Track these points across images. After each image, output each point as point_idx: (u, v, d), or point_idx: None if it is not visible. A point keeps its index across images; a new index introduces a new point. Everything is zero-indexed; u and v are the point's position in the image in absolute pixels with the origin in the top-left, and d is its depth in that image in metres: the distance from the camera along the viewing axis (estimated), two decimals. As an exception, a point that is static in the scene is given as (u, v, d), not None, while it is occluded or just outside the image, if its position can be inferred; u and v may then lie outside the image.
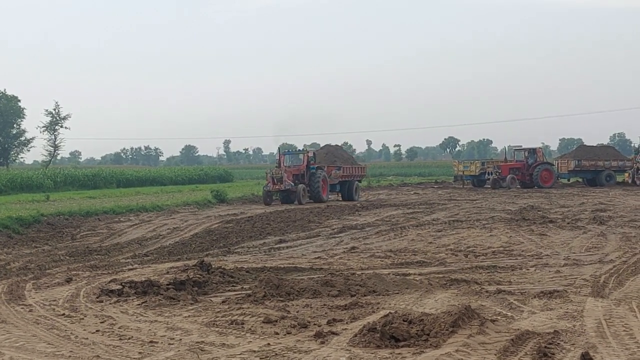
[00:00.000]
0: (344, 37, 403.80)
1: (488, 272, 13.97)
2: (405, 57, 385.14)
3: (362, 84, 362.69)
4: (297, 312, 10.22)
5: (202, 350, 8.34)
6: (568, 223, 23.00)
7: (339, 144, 48.67)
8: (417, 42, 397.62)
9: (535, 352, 7.77)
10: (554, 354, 7.76)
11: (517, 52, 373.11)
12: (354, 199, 39.97)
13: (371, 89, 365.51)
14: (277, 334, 9.02)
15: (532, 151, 51.89)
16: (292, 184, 36.45)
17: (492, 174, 50.50)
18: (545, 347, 7.96)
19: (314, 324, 9.39)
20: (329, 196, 39.75)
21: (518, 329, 8.75)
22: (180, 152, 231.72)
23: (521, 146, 54.26)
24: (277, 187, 36.60)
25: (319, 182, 37.63)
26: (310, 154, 39.13)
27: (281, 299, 11.02)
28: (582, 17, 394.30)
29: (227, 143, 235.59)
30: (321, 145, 48.49)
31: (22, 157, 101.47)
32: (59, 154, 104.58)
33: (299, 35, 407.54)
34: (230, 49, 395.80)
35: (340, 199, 40.68)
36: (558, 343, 8.23)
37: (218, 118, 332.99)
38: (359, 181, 43.03)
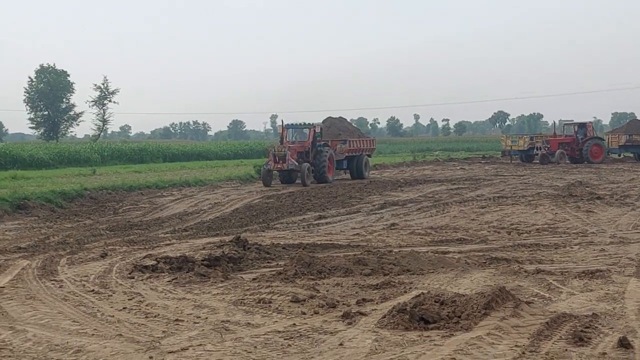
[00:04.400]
0: (389, 15, 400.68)
1: (530, 251, 13.56)
2: (454, 33, 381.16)
3: (410, 60, 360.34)
4: (327, 291, 9.97)
5: (226, 330, 8.13)
6: (616, 199, 22.38)
7: (347, 118, 44.48)
8: (470, 18, 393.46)
9: (570, 337, 7.41)
10: (590, 339, 7.37)
11: (569, 26, 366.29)
12: (364, 176, 36.86)
13: (419, 64, 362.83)
14: (304, 313, 8.79)
15: (582, 126, 50.76)
16: (296, 163, 32.54)
17: (540, 149, 49.51)
18: (582, 331, 7.58)
19: (343, 304, 9.13)
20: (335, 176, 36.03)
21: (554, 312, 8.38)
22: (228, 127, 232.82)
23: (572, 121, 53.03)
24: (279, 166, 32.62)
25: (325, 160, 33.66)
26: (318, 129, 35.09)
27: (312, 277, 10.78)
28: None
29: (274, 118, 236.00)
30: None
31: (72, 132, 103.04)
32: (108, 128, 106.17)
33: (341, 11, 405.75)
34: (281, 24, 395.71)
35: (349, 177, 37.34)
36: (596, 327, 7.84)
37: (265, 93, 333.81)
38: (369, 156, 38.89)
